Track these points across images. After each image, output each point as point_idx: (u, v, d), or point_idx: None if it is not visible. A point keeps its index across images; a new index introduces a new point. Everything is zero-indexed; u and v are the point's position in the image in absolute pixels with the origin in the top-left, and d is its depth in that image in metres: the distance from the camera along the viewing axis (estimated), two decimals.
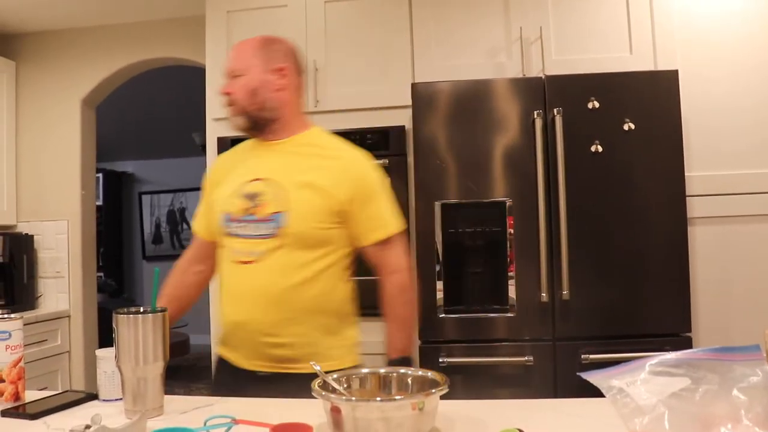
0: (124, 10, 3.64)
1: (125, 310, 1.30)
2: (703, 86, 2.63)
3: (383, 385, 1.23)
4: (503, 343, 2.43)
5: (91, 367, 3.76)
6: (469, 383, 2.38)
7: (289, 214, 1.56)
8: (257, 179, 1.62)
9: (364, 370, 1.26)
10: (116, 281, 7.53)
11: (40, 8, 3.56)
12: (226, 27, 2.97)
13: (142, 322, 1.28)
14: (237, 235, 1.62)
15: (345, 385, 1.20)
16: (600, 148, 2.42)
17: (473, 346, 2.44)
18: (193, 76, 4.01)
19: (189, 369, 6.08)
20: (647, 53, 2.68)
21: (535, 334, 2.42)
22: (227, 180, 1.70)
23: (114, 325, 1.30)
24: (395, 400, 1.14)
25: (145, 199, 8.09)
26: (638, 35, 2.69)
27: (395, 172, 2.74)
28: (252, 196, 1.60)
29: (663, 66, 2.63)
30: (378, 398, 1.15)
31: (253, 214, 1.59)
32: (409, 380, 1.21)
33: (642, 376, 1.00)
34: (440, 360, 2.40)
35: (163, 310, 1.32)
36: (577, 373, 1.08)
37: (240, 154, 1.76)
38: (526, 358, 2.38)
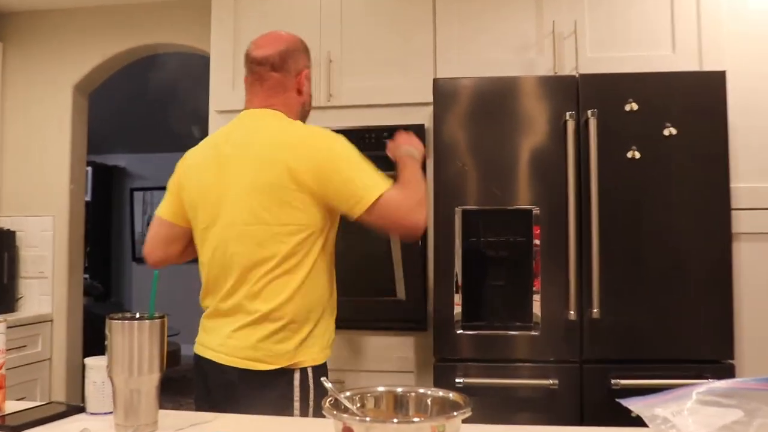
0: None
1: (120, 315, 1.29)
2: (754, 89, 2.60)
3: (400, 406, 1.21)
4: (526, 364, 2.41)
5: (73, 376, 3.75)
6: (487, 406, 2.36)
7: None
8: None
9: (380, 389, 1.24)
10: (103, 284, 7.55)
11: None
12: (233, 13, 2.97)
13: (138, 329, 1.27)
14: None
15: (358, 404, 1.18)
16: (637, 155, 2.40)
17: (493, 366, 2.41)
18: (196, 65, 4.02)
19: (179, 381, 6.07)
20: (692, 52, 2.66)
21: (561, 355, 2.40)
22: None
23: (107, 332, 1.29)
24: (413, 422, 1.12)
25: (137, 195, 8.12)
26: (682, 31, 2.67)
27: None
28: None
29: (709, 66, 2.62)
30: (394, 419, 1.14)
31: None
32: (429, 401, 1.19)
33: (689, 405, 0.99)
34: (456, 380, 2.38)
35: (161, 317, 1.31)
36: (617, 399, 1.06)
37: None
38: (551, 381, 2.36)
